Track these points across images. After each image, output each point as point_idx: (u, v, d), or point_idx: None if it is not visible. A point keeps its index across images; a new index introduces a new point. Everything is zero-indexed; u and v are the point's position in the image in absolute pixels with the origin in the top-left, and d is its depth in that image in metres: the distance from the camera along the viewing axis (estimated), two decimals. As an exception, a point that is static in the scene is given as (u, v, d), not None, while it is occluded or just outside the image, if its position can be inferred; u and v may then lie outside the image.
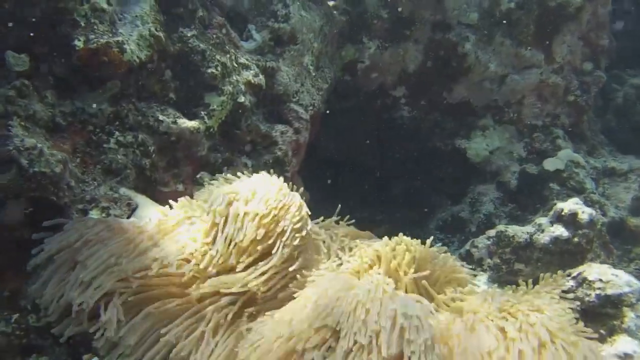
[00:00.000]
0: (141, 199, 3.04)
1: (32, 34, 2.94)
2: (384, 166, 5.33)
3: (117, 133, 3.15)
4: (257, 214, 2.73)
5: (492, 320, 2.59)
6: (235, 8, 4.01)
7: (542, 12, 4.81)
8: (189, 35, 3.53)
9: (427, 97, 5.15)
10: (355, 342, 2.17)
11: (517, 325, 2.52)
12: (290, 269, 2.72)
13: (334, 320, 2.24)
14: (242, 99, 3.68)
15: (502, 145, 5.17)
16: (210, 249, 2.71)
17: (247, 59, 3.85)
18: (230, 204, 2.75)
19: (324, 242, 3.11)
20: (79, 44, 3.00)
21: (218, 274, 2.70)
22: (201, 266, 2.67)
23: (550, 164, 5.00)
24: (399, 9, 4.83)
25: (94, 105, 3.09)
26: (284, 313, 2.45)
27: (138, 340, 2.49)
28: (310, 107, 4.23)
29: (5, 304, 2.62)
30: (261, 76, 3.86)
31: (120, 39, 3.09)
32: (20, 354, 2.57)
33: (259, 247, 2.71)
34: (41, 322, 2.61)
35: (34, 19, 2.94)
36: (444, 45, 4.94)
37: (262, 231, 2.72)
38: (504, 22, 4.86)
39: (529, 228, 4.44)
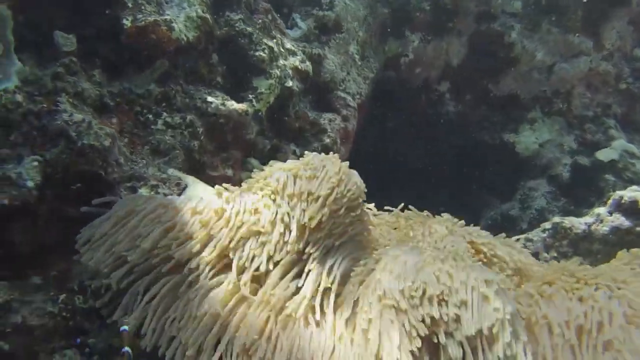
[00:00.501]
0: (191, 179, 2.85)
1: (80, 17, 2.82)
2: (430, 163, 5.08)
3: (164, 114, 2.98)
4: (319, 196, 2.48)
5: (571, 292, 2.33)
6: (278, -2, 3.87)
7: (589, -3, 4.56)
8: (235, 18, 3.37)
9: (472, 91, 4.91)
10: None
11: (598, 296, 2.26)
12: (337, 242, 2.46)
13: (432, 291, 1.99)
14: (289, 83, 3.49)
15: (552, 138, 4.88)
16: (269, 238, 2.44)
17: (293, 46, 3.67)
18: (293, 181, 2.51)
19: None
20: (127, 22, 2.86)
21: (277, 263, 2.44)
22: (262, 269, 2.39)
23: (604, 155, 4.70)
24: (442, 0, 4.62)
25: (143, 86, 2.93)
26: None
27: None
28: (357, 96, 4.03)
29: (52, 284, 2.43)
30: (308, 63, 3.68)
31: (168, 17, 2.95)
32: (65, 336, 2.36)
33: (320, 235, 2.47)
34: (88, 303, 2.41)
35: (85, 2, 2.82)
36: (489, 35, 4.71)
37: (326, 210, 2.47)
38: (551, 9, 4.61)
39: (587, 219, 4.16)
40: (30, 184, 2.36)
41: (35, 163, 2.40)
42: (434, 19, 4.70)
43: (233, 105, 3.19)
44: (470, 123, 4.96)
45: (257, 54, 3.37)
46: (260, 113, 3.36)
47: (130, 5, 2.89)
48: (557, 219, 4.25)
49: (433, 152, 5.07)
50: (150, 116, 2.94)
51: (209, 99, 3.13)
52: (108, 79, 2.86)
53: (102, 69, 2.85)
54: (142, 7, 2.91)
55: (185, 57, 3.09)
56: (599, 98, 4.80)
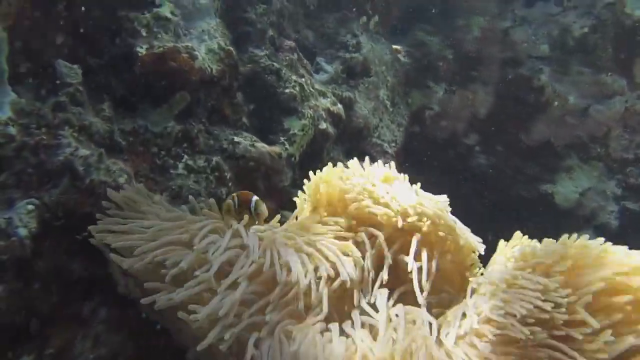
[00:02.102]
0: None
1: (87, 45, 2.31)
2: (465, 222, 4.46)
3: (186, 156, 2.40)
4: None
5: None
6: (299, 42, 3.38)
7: (618, 33, 4.16)
8: (260, 54, 2.87)
9: (503, 142, 4.40)
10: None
11: None
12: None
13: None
14: (323, 125, 2.95)
15: (593, 185, 4.32)
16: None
17: (322, 87, 3.16)
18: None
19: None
20: (141, 50, 2.34)
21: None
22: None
23: (654, 197, 4.14)
24: (465, 48, 4.22)
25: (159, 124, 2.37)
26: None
27: None
28: (393, 144, 3.49)
29: (48, 367, 1.75)
30: (339, 105, 3.16)
31: (189, 44, 2.44)
32: None
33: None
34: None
35: (90, 29, 2.32)
36: (517, 81, 4.27)
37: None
38: (579, 49, 4.19)
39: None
40: (22, 232, 1.73)
41: (31, 207, 1.79)
42: (457, 67, 4.28)
43: (264, 147, 2.63)
44: (503, 176, 4.42)
45: (287, 91, 2.84)
46: (293, 158, 2.80)
47: (144, 33, 2.38)
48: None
49: (466, 210, 4.48)
50: (170, 158, 2.36)
51: (237, 139, 2.57)
52: (119, 115, 2.30)
53: (112, 103, 2.30)
54: (158, 35, 2.40)
55: (208, 93, 2.56)
56: (638, 139, 4.31)
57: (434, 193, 4.51)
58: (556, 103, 4.23)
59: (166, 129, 2.37)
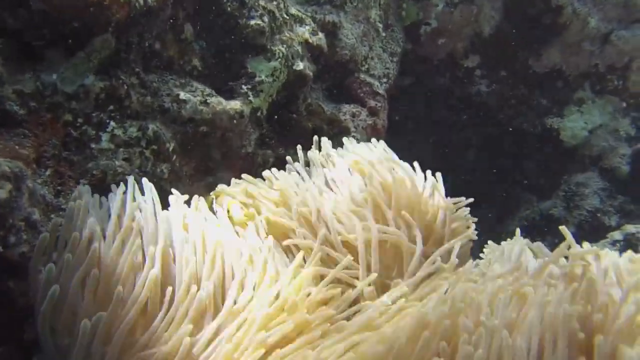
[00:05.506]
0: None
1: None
2: (455, 156, 3.99)
3: (112, 124, 1.78)
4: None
5: None
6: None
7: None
8: (216, -30, 2.15)
9: (508, 67, 3.79)
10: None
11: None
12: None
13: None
14: (300, 65, 2.30)
15: (605, 122, 3.82)
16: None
17: (299, 11, 2.47)
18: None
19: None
20: (39, -26, 1.63)
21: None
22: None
23: (670, 142, 3.68)
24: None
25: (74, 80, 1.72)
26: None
27: None
28: (385, 79, 2.86)
29: None
30: (320, 34, 2.49)
31: (110, -36, 1.72)
32: None
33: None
34: None
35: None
36: (531, -4, 3.59)
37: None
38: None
39: (672, 223, 3.18)
40: None
41: None
42: (463, -25, 3.56)
43: (221, 104, 2.01)
44: (505, 106, 3.86)
45: (252, 22, 2.16)
46: (260, 112, 2.19)
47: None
48: (630, 227, 3.26)
49: (459, 142, 3.98)
50: (90, 128, 1.74)
51: (183, 95, 1.94)
52: (15, 69, 1.64)
53: (4, 55, 1.64)
54: (67, -49, 1.68)
55: (143, 30, 1.88)
56: (663, 72, 3.75)
57: (426, 125, 4.00)
58: (574, 26, 3.60)
59: (84, 87, 1.73)
